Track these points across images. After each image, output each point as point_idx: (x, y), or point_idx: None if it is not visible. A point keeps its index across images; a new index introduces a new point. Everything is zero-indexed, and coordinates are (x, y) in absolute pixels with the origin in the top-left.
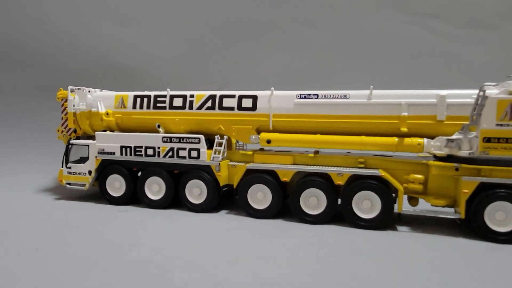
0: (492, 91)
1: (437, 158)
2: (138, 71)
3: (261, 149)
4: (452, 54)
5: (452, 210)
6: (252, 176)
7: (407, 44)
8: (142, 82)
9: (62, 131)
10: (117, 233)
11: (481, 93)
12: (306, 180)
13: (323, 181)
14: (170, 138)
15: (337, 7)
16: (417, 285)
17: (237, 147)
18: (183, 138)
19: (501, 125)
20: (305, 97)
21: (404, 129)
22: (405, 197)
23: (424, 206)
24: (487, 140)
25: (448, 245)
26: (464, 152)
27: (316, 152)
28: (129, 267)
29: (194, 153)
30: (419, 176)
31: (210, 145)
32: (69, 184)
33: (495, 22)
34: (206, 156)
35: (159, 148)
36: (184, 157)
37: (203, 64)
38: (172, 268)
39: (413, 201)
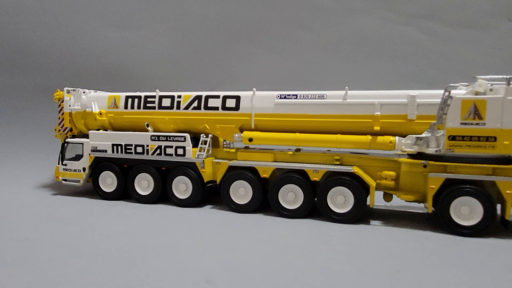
0: (460, 91)
1: (410, 155)
2: (134, 73)
3: (246, 147)
4: (445, 54)
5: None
6: (234, 173)
7: (399, 44)
8: (138, 83)
9: (59, 130)
10: (104, 225)
11: (447, 94)
12: (284, 176)
13: (300, 177)
14: (158, 136)
15: (329, 9)
16: (370, 272)
17: (224, 145)
18: (170, 136)
19: (465, 124)
20: (285, 97)
21: (377, 128)
22: (381, 193)
23: (399, 202)
24: (452, 138)
25: (413, 237)
26: (431, 150)
27: (298, 150)
28: (108, 254)
29: (180, 151)
30: (391, 172)
31: (196, 143)
32: (65, 180)
33: (488, 22)
34: (191, 154)
35: (147, 146)
36: (171, 155)
37: (196, 65)
38: (147, 255)
39: (387, 196)
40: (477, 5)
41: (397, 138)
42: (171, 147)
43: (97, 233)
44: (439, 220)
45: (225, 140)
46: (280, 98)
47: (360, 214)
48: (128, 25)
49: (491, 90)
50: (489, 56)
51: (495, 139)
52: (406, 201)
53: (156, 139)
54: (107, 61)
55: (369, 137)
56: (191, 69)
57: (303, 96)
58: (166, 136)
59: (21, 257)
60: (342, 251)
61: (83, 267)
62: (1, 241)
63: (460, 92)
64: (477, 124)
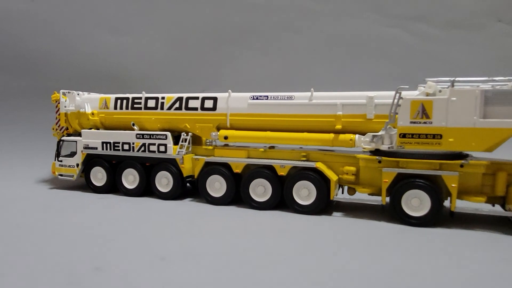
0: (412, 92)
1: (371, 152)
2: (128, 75)
3: (226, 145)
4: (434, 54)
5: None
6: (210, 168)
7: (388, 46)
8: (132, 85)
9: (56, 129)
10: (90, 214)
11: (398, 95)
12: (254, 171)
13: (268, 172)
14: (143, 135)
15: (317, 12)
16: (310, 254)
17: (207, 143)
18: (153, 135)
19: (414, 122)
20: (257, 98)
21: (339, 127)
22: (346, 187)
23: (360, 196)
24: (403, 135)
25: (366, 227)
26: (385, 147)
27: (272, 147)
28: (84, 238)
29: (162, 148)
30: (352, 168)
31: (177, 141)
32: (61, 175)
33: (477, 23)
34: (172, 151)
35: (133, 143)
36: (154, 152)
37: (188, 68)
38: (118, 238)
39: (351, 190)
40: (466, 7)
41: (357, 136)
42: (154, 144)
43: (80, 221)
44: (392, 212)
45: (207, 139)
46: (253, 99)
47: (322, 206)
48: (122, 31)
49: (440, 91)
50: (479, 56)
51: (441, 136)
52: (367, 194)
53: (141, 137)
54: (103, 64)
55: (332, 135)
56: (183, 71)
57: (274, 97)
58: (150, 135)
59: (8, 241)
60: (294, 237)
61: (61, 248)
62: None
63: (412, 93)
64: (424, 122)
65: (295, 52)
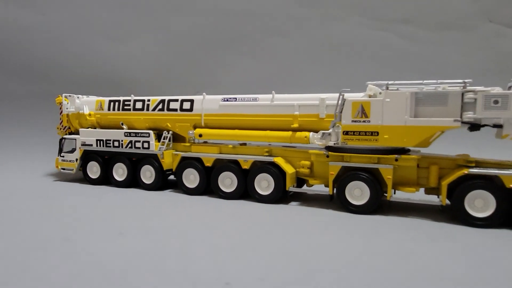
0: (356, 94)
1: (326, 148)
2: (126, 79)
3: (205, 142)
4: (424, 56)
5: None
6: (185, 162)
7: (376, 48)
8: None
9: (60, 128)
10: (77, 201)
11: (341, 97)
12: (222, 165)
13: (234, 166)
14: (130, 133)
15: (305, 18)
16: (235, 236)
17: (190, 140)
18: (138, 133)
19: (355, 121)
20: (227, 100)
21: (296, 125)
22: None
23: (319, 188)
24: (346, 133)
25: (312, 214)
26: (331, 143)
27: (244, 144)
28: (67, 219)
29: (146, 145)
30: (307, 162)
31: (160, 138)
32: (63, 169)
33: (468, 24)
34: (154, 147)
35: (122, 141)
36: (139, 148)
37: (183, 72)
38: (91, 219)
39: (309, 182)
40: (456, 8)
41: (311, 133)
42: (139, 141)
43: (68, 206)
44: (337, 201)
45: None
46: (224, 100)
47: (279, 196)
48: (120, 38)
49: (380, 93)
50: (470, 56)
51: (377, 133)
52: (324, 185)
53: (128, 135)
54: (102, 69)
55: (290, 133)
56: (178, 75)
57: (241, 99)
58: (136, 133)
59: (4, 221)
60: (240, 222)
61: (47, 226)
62: None
63: (355, 95)
64: (364, 121)
65: (283, 56)
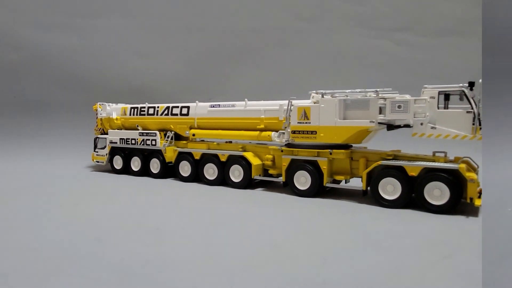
0: (303, 101)
1: (286, 145)
2: (151, 89)
3: (202, 141)
4: (421, 61)
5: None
6: (181, 156)
7: (375, 56)
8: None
9: (96, 130)
10: (101, 184)
11: (290, 103)
12: (207, 158)
13: (215, 159)
14: (142, 133)
15: (306, 30)
16: (192, 215)
17: (191, 139)
18: (148, 133)
19: (300, 122)
20: (213, 106)
21: (261, 126)
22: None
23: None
24: (294, 132)
25: (266, 197)
26: (284, 140)
27: (229, 142)
28: (81, 195)
29: (154, 142)
30: (270, 156)
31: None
32: (97, 161)
33: (465, 29)
34: (159, 144)
35: (137, 139)
36: (149, 144)
37: (198, 82)
38: (97, 204)
39: (269, 172)
40: (452, 15)
41: (273, 133)
42: (149, 139)
43: (85, 188)
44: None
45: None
46: (211, 107)
47: (247, 183)
48: (147, 55)
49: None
50: (468, 61)
51: (316, 132)
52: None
53: (142, 135)
54: (133, 81)
55: (257, 132)
56: (194, 84)
57: (223, 106)
58: (147, 133)
59: (31, 195)
60: (205, 204)
61: (66, 201)
62: (37, 189)
63: (301, 101)
64: (306, 122)
65: (286, 66)
